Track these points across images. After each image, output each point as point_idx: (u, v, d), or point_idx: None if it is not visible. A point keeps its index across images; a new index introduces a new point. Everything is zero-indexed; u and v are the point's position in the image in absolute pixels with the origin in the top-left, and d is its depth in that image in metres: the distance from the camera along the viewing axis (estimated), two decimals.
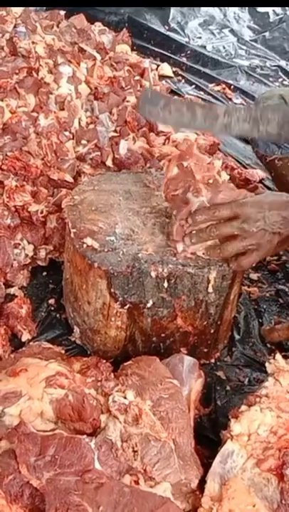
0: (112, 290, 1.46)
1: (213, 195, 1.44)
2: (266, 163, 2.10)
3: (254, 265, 2.02)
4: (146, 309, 1.49)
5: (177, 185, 1.48)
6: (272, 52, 3.71)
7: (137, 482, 1.12)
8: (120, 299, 1.47)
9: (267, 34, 3.80)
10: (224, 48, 3.69)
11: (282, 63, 3.62)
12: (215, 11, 3.88)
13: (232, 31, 3.82)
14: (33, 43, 2.29)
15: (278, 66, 3.58)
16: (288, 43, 3.75)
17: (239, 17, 3.91)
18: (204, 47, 3.64)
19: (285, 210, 1.39)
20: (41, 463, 1.10)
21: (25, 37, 2.29)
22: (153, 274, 1.44)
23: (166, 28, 3.67)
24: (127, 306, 1.48)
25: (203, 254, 1.47)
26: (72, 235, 1.52)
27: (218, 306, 1.52)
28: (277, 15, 3.87)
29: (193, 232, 1.44)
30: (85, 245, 1.49)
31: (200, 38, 3.72)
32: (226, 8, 3.90)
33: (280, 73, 3.53)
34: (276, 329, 1.73)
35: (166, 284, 1.45)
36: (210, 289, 1.47)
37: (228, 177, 1.58)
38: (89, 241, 1.49)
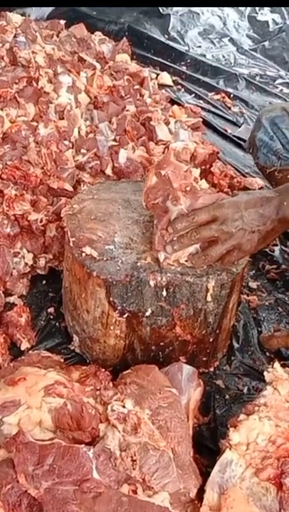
0: (111, 299, 1.47)
1: (193, 201, 1.44)
2: (267, 175, 2.11)
3: (253, 274, 2.03)
4: (145, 318, 1.49)
5: (156, 194, 1.48)
6: (271, 61, 3.73)
7: (135, 491, 1.12)
8: (119, 307, 1.47)
9: (266, 44, 3.81)
10: (224, 57, 3.70)
11: (282, 73, 3.63)
12: (215, 20, 3.90)
13: (231, 40, 3.83)
14: (33, 52, 2.30)
15: (278, 76, 3.60)
16: (288, 52, 3.76)
17: (239, 26, 3.93)
18: (204, 55, 3.65)
19: (261, 206, 1.40)
20: (39, 472, 1.09)
21: (25, 46, 2.30)
22: (152, 282, 1.44)
23: (166, 36, 3.68)
24: (126, 314, 1.48)
25: (186, 261, 1.47)
26: (71, 244, 1.52)
27: (216, 314, 1.52)
28: (277, 24, 3.89)
29: (174, 239, 1.44)
30: (84, 254, 1.49)
31: (200, 47, 3.73)
32: (226, 16, 3.92)
33: (280, 82, 3.55)
34: (275, 336, 1.73)
35: (164, 293, 1.45)
36: (208, 298, 1.48)
37: (207, 185, 1.58)
38: (88, 250, 1.49)
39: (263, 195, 1.44)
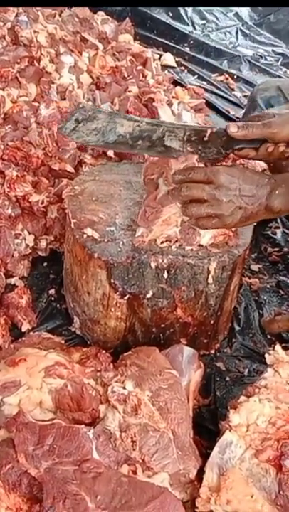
0: (112, 280, 1.46)
1: None
2: None
3: (255, 256, 2.02)
4: (146, 300, 1.49)
5: (154, 170, 1.48)
6: (276, 36, 3.68)
7: (134, 472, 1.13)
8: (120, 289, 1.47)
9: (271, 17, 3.75)
10: (228, 34, 3.66)
11: (287, 51, 3.60)
12: None
13: (236, 14, 3.78)
14: (34, 32, 2.29)
15: (282, 54, 3.56)
16: None
17: None
18: (208, 35, 3.61)
19: (256, 186, 1.37)
20: (39, 452, 1.10)
21: (27, 26, 2.28)
22: (153, 264, 1.43)
23: (170, 14, 3.63)
24: (127, 296, 1.48)
25: (162, 243, 1.46)
26: (72, 226, 1.52)
27: (218, 297, 1.52)
28: None
29: (170, 188, 1.42)
30: (85, 235, 1.48)
31: (204, 22, 3.68)
32: None
33: (283, 62, 3.52)
34: (276, 320, 1.73)
35: (165, 275, 1.45)
36: (210, 280, 1.47)
37: None
38: (89, 231, 1.48)
39: (260, 177, 1.40)
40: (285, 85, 2.11)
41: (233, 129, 1.39)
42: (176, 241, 1.45)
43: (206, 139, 1.42)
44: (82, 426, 1.16)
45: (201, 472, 1.19)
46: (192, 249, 1.46)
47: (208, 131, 1.42)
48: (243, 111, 2.91)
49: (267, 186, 1.37)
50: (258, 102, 2.07)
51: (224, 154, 1.45)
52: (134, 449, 1.17)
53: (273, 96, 2.06)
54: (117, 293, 1.48)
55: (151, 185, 1.48)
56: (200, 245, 1.46)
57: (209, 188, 1.36)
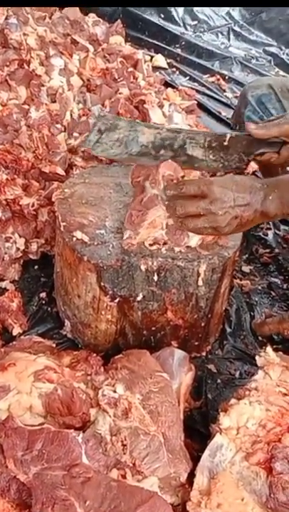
0: (102, 283, 1.46)
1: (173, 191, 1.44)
2: None
3: (246, 258, 2.02)
4: (137, 303, 1.48)
5: (140, 172, 1.49)
6: (268, 35, 3.68)
7: (124, 476, 1.12)
8: (110, 292, 1.47)
9: (263, 15, 3.74)
10: (219, 34, 3.66)
11: (279, 51, 3.60)
12: None
13: (228, 13, 3.77)
14: (24, 34, 2.27)
15: (273, 54, 3.56)
16: (284, 24, 3.69)
17: None
18: (200, 36, 3.61)
19: (249, 194, 1.38)
20: (28, 457, 1.09)
21: (17, 29, 2.27)
22: (143, 267, 1.43)
23: (162, 16, 3.62)
24: (117, 299, 1.48)
25: (150, 245, 1.46)
26: (62, 229, 1.51)
27: (208, 299, 1.52)
28: None
29: (166, 203, 1.43)
30: (74, 238, 1.48)
31: (196, 22, 3.67)
32: None
33: (275, 63, 3.52)
34: (267, 323, 1.73)
35: (156, 278, 1.45)
36: (200, 282, 1.47)
37: None
38: (79, 234, 1.48)
39: (252, 183, 1.40)
40: (277, 83, 2.10)
41: (252, 126, 1.43)
42: (165, 243, 1.45)
43: (226, 143, 1.46)
44: (72, 430, 1.15)
45: (191, 475, 1.19)
46: (182, 252, 1.45)
47: (228, 136, 1.46)
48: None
49: (260, 192, 1.38)
50: (249, 99, 2.07)
51: (246, 161, 1.46)
52: (124, 453, 1.17)
53: (265, 94, 2.05)
54: (108, 296, 1.47)
55: (138, 188, 1.48)
56: (188, 247, 1.46)
57: (204, 203, 1.37)
